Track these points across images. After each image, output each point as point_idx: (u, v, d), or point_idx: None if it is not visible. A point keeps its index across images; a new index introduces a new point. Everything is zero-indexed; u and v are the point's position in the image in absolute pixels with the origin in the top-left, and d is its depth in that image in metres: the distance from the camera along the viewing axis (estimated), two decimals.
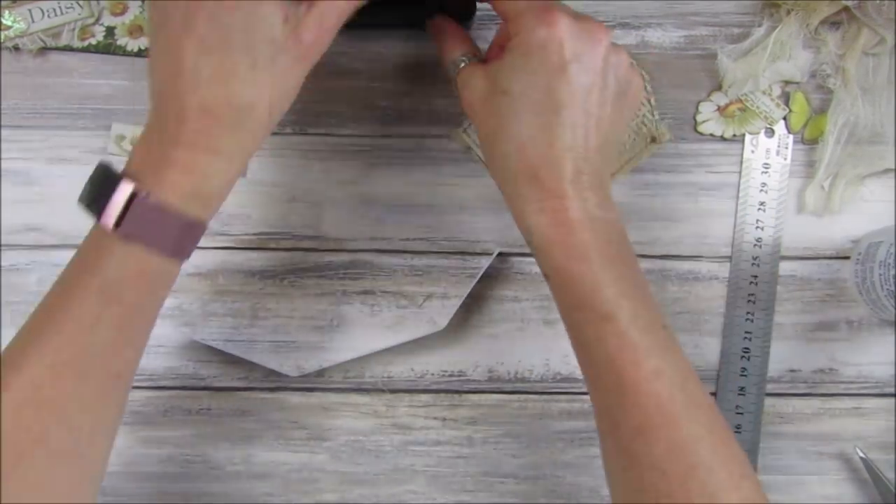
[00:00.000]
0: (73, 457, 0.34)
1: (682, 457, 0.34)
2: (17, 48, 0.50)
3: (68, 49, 0.50)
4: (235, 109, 0.35)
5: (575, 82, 0.36)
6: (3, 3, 0.50)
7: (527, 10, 0.37)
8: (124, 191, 0.34)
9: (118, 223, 0.34)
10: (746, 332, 0.50)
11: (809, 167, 0.51)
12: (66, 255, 0.49)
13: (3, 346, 0.49)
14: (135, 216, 0.34)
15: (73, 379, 0.34)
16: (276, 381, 0.50)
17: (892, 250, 0.46)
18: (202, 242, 0.50)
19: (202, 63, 0.35)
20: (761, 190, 0.50)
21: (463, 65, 0.41)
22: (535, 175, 0.36)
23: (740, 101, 0.51)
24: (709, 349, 0.50)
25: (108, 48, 0.50)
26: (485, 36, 0.51)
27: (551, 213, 0.36)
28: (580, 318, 0.36)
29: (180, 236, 0.35)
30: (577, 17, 0.38)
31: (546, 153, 0.36)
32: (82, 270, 0.35)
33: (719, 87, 0.51)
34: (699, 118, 0.51)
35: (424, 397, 0.50)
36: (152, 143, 0.36)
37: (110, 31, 0.50)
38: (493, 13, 0.50)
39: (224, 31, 0.35)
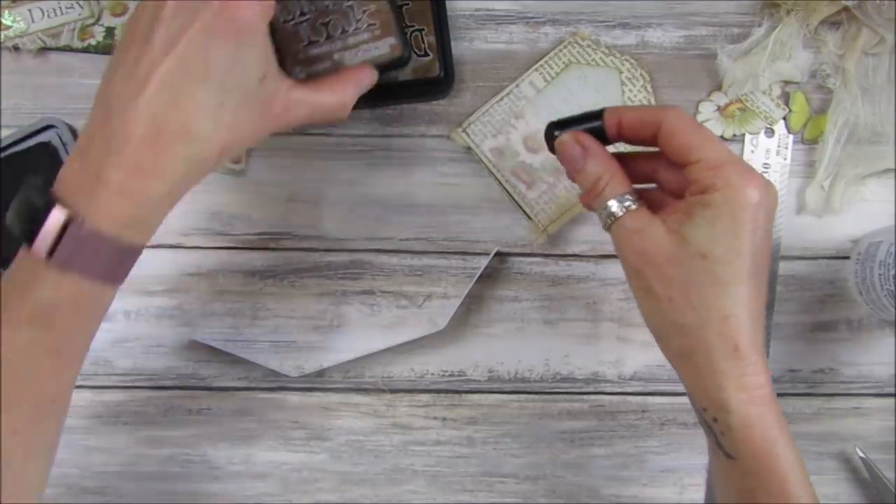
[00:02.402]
0: (5, 480, 0.33)
1: None
2: (17, 48, 0.50)
3: (68, 49, 0.50)
4: (188, 139, 0.34)
5: (769, 248, 0.35)
6: (3, 3, 0.50)
7: (729, 163, 0.34)
8: (56, 218, 0.32)
9: (51, 252, 0.33)
10: None
11: (809, 167, 0.51)
12: None
13: None
14: (68, 245, 0.32)
15: (4, 405, 0.33)
16: (276, 381, 0.50)
17: (892, 250, 0.46)
18: (202, 242, 0.50)
19: (170, 83, 0.33)
20: None
21: (630, 206, 0.36)
22: (736, 348, 0.34)
23: (740, 101, 0.51)
24: None
25: (108, 48, 0.50)
26: (484, 36, 0.51)
27: (751, 390, 0.34)
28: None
29: (116, 263, 0.34)
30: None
31: (751, 326, 0.34)
32: (13, 296, 0.34)
33: (719, 87, 0.51)
34: (699, 118, 0.51)
35: (424, 397, 0.50)
36: (88, 156, 0.34)
37: (110, 31, 0.50)
38: (491, 11, 0.51)
39: (204, 60, 0.34)
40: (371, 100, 0.49)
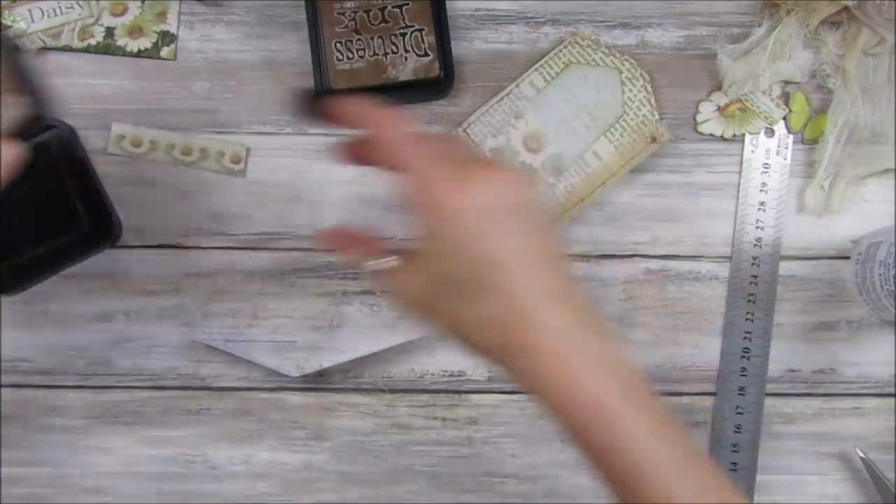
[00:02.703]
0: None
1: None
2: (16, 48, 0.50)
3: (68, 49, 0.50)
4: None
5: (492, 236, 0.33)
6: (3, 3, 0.50)
7: (408, 185, 0.34)
8: None
9: None
10: (746, 332, 0.50)
11: (809, 167, 0.51)
12: None
13: (3, 347, 0.49)
14: None
15: None
16: (276, 381, 0.50)
17: (892, 250, 0.46)
18: (202, 242, 0.50)
19: None
20: (761, 190, 0.50)
21: (386, 264, 0.37)
22: (519, 343, 0.33)
23: (740, 101, 0.51)
24: (709, 349, 0.50)
25: (107, 48, 0.50)
26: (484, 36, 0.51)
27: (551, 374, 0.33)
28: (602, 461, 0.34)
29: None
30: (443, 161, 0.34)
31: (516, 320, 0.33)
32: None
33: (719, 87, 0.51)
34: (699, 118, 0.51)
35: (424, 397, 0.50)
36: None
37: (110, 31, 0.50)
38: (491, 11, 0.51)
39: None
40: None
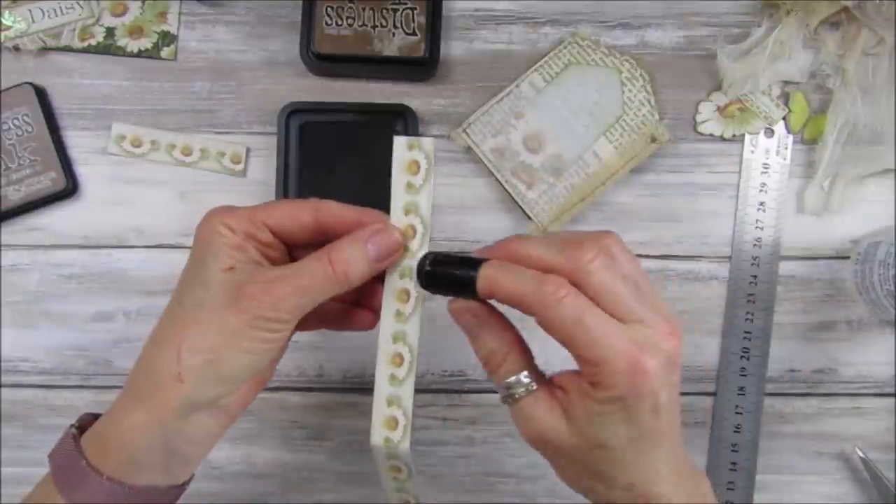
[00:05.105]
0: None
1: None
2: (17, 48, 0.50)
3: (68, 49, 0.50)
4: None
5: (667, 412, 0.32)
6: (4, 3, 0.50)
7: (615, 356, 0.31)
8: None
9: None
10: (746, 332, 0.50)
11: (809, 167, 0.51)
12: (67, 256, 0.50)
13: (3, 347, 0.49)
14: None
15: None
16: (276, 381, 0.50)
17: (892, 250, 0.46)
18: None
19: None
20: (761, 190, 0.50)
21: (529, 387, 0.34)
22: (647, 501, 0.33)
23: (740, 101, 0.51)
24: (709, 349, 0.50)
25: (108, 49, 0.50)
26: (484, 36, 0.51)
27: None
28: None
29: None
30: (660, 346, 0.32)
31: (658, 480, 0.33)
32: None
33: (719, 88, 0.51)
34: (699, 118, 0.51)
35: (424, 397, 0.50)
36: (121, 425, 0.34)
37: (110, 31, 0.50)
38: (491, 11, 0.51)
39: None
40: (351, 69, 0.49)
